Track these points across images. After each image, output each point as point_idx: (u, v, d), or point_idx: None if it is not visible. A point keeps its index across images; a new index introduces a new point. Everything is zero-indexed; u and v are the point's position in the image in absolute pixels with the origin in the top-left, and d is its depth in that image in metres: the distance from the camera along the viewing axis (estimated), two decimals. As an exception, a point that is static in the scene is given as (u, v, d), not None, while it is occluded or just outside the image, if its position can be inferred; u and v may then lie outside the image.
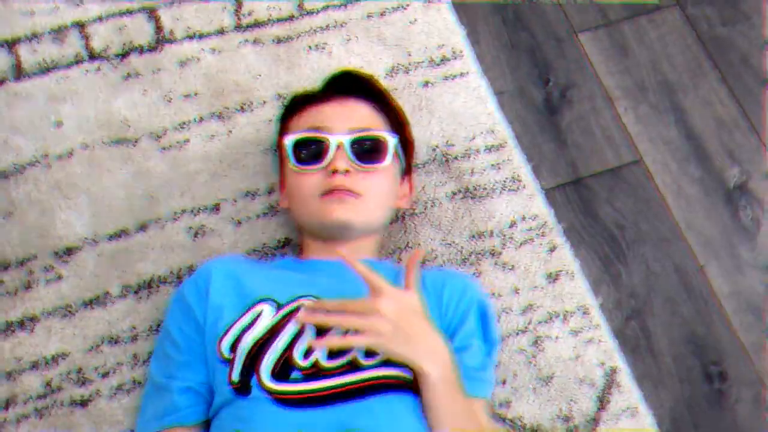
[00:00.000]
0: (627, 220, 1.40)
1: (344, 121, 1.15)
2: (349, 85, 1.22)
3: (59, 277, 1.27)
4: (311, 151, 1.14)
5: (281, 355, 1.02)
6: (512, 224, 1.36)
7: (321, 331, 1.04)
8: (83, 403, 1.21)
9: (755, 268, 1.38)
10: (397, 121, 1.23)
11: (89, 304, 1.26)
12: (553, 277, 1.33)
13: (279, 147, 1.24)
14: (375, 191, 1.14)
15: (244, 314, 1.06)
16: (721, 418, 1.27)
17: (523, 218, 1.36)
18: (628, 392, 1.26)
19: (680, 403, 1.28)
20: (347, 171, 1.12)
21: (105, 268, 1.28)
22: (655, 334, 1.32)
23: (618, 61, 1.53)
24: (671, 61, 1.54)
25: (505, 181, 1.39)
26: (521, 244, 1.34)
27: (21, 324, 1.24)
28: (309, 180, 1.13)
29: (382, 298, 0.98)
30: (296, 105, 1.23)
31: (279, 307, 1.07)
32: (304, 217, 1.16)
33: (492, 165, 1.40)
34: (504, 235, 1.35)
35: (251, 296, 1.08)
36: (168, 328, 1.12)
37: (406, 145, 1.25)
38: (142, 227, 1.31)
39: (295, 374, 1.01)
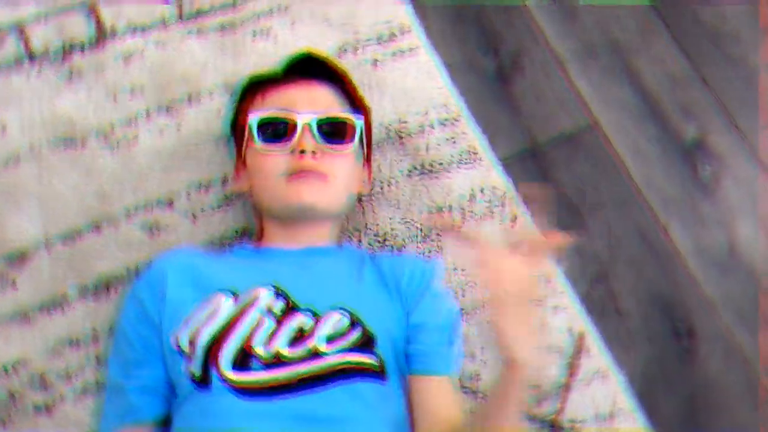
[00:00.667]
0: (586, 185, 1.39)
1: (310, 103, 1.13)
2: (311, 67, 1.20)
3: (14, 283, 1.25)
4: (277, 130, 1.12)
5: (241, 346, 1.01)
6: (471, 197, 1.35)
7: (280, 321, 1.02)
8: (48, 408, 1.19)
9: (717, 223, 1.38)
10: (360, 105, 1.21)
11: (47, 308, 1.24)
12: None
13: (234, 127, 1.22)
14: (341, 174, 1.12)
15: (202, 306, 1.05)
16: (693, 373, 1.28)
17: (482, 190, 1.35)
18: (598, 355, 1.26)
19: (651, 362, 1.28)
20: (314, 152, 1.10)
21: (61, 270, 1.26)
22: (622, 295, 1.32)
23: (567, 25, 1.52)
24: (621, 22, 1.53)
25: (461, 155, 1.37)
26: (482, 216, 1.33)
27: (-22, 334, 1.22)
28: (274, 160, 1.11)
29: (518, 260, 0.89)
30: (257, 86, 1.20)
31: (237, 297, 1.05)
32: (267, 199, 1.14)
33: (447, 139, 1.38)
34: (464, 209, 1.34)
35: (209, 288, 1.06)
36: (123, 327, 1.10)
37: (368, 131, 1.23)
38: (96, 227, 1.29)
39: (255, 364, 0.99)
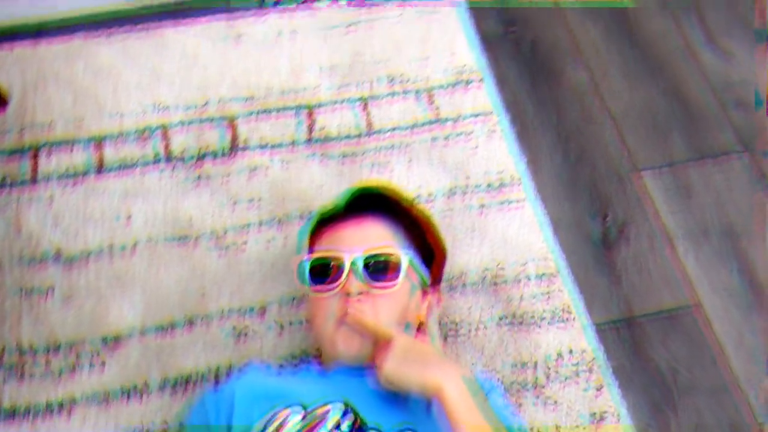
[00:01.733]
0: (681, 366, 1.33)
1: (359, 242, 1.16)
2: (366, 203, 1.24)
3: (103, 364, 1.30)
4: (326, 271, 1.15)
5: None
6: (558, 357, 1.32)
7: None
8: (107, 493, 1.21)
9: (821, 432, 1.28)
10: (418, 232, 1.23)
11: (126, 393, 1.28)
12: (597, 418, 1.27)
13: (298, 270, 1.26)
14: (387, 315, 1.13)
15: (272, 419, 1.06)
16: None
17: (571, 352, 1.32)
18: None
19: None
20: (360, 293, 1.12)
21: (148, 360, 1.31)
22: (705, 491, 1.23)
23: (680, 202, 1.51)
24: (737, 205, 1.51)
25: (554, 312, 1.36)
26: (566, 379, 1.30)
27: (60, 407, 1.27)
28: (324, 304, 1.14)
29: (394, 339, 1.05)
30: (321, 224, 1.24)
31: (305, 410, 1.06)
32: (321, 342, 1.17)
33: (542, 293, 1.38)
34: (549, 368, 1.31)
35: (277, 403, 1.08)
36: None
37: (430, 254, 1.24)
38: (190, 323, 1.34)
39: None
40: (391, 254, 1.16)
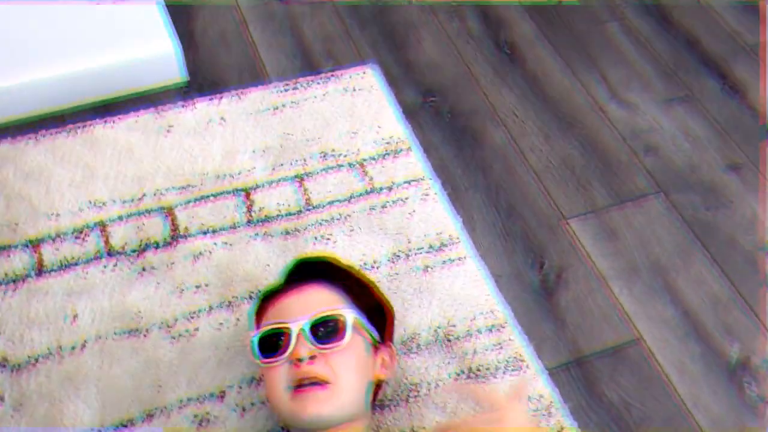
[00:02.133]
0: (633, 399, 1.39)
1: (303, 309, 1.18)
2: (306, 272, 1.27)
3: (63, 469, 1.26)
4: (276, 343, 1.16)
5: None
6: (517, 405, 1.36)
7: None
8: None
9: (768, 445, 1.36)
10: (357, 295, 1.26)
11: (91, 496, 1.24)
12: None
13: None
14: (343, 372, 1.14)
15: None
16: None
17: (529, 398, 1.37)
18: None
19: None
20: (312, 357, 1.14)
21: (109, 458, 1.28)
22: None
23: (608, 244, 1.60)
24: (660, 243, 1.61)
25: (507, 361, 1.41)
26: (527, 424, 1.34)
27: None
28: (276, 374, 1.15)
29: (509, 412, 1.04)
30: (264, 302, 1.27)
31: None
32: (280, 414, 1.17)
33: (494, 345, 1.42)
34: (509, 416, 1.34)
35: None
36: None
37: (377, 313, 1.27)
38: (149, 415, 1.32)
39: None
40: (337, 314, 1.18)
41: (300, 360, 1.13)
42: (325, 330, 1.17)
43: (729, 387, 1.42)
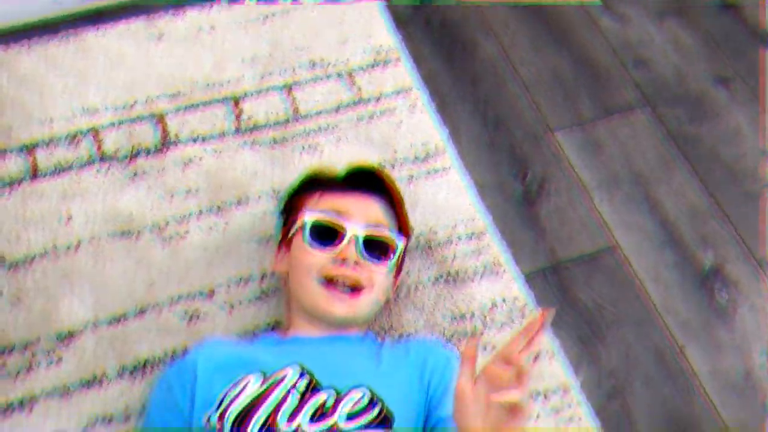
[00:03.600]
0: (606, 303, 1.45)
1: (361, 216, 1.23)
2: (369, 181, 1.31)
3: (59, 360, 1.34)
4: (327, 234, 1.22)
5: (265, 421, 1.06)
6: (493, 306, 1.41)
7: (303, 399, 1.08)
8: (75, 482, 1.24)
9: (733, 348, 1.41)
10: (405, 229, 1.31)
11: (86, 384, 1.32)
12: (533, 357, 1.36)
13: (287, 210, 1.32)
14: (374, 285, 1.21)
15: (231, 386, 1.12)
16: (706, 497, 1.27)
17: (504, 301, 1.42)
18: (611, 470, 1.27)
19: (664, 481, 1.28)
20: (355, 263, 1.19)
21: (104, 350, 1.35)
22: (636, 412, 1.34)
23: (593, 156, 1.63)
24: (644, 155, 1.63)
25: (485, 266, 1.45)
26: (501, 325, 1.39)
27: (20, 404, 1.29)
28: (316, 259, 1.20)
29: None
30: (316, 185, 1.31)
31: (265, 376, 1.12)
32: (300, 294, 1.22)
33: (473, 251, 1.47)
34: (485, 317, 1.40)
35: (238, 371, 1.13)
36: (149, 411, 1.18)
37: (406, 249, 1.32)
38: (141, 311, 1.39)
39: None
40: (391, 240, 1.24)
41: (345, 260, 1.19)
42: (376, 247, 1.22)
43: (700, 293, 1.47)
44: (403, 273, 1.41)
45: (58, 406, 1.30)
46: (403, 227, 1.31)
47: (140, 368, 1.33)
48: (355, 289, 1.19)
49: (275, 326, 1.38)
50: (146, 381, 1.32)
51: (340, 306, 1.18)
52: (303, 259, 1.22)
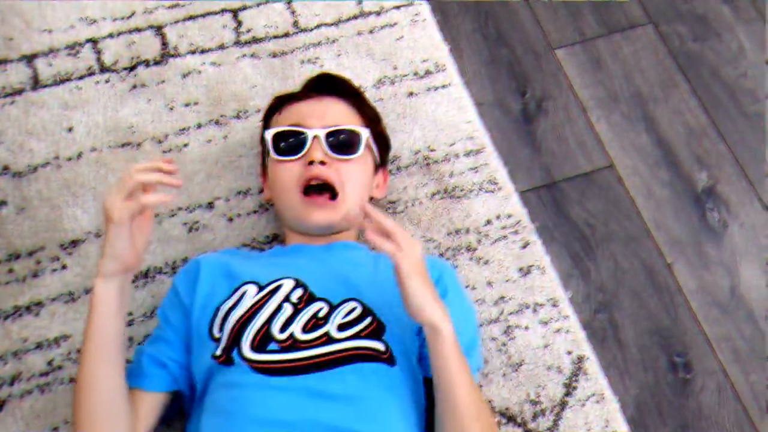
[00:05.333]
0: (597, 220, 1.47)
1: (320, 117, 1.25)
2: (326, 85, 1.33)
3: (64, 267, 1.38)
4: (290, 143, 1.24)
5: (260, 329, 1.11)
6: (488, 222, 1.44)
7: (297, 309, 1.12)
8: (82, 382, 1.30)
9: (721, 265, 1.44)
10: (370, 118, 1.32)
11: (90, 291, 1.36)
12: (525, 271, 1.40)
13: (262, 142, 1.35)
14: (349, 181, 1.23)
15: (231, 295, 1.16)
16: (685, 406, 1.33)
17: (498, 217, 1.45)
18: (595, 379, 1.32)
19: (645, 390, 1.34)
20: (323, 162, 1.21)
21: (107, 258, 1.38)
22: (623, 326, 1.39)
23: (592, 74, 1.62)
24: (644, 74, 1.63)
25: (482, 183, 1.48)
26: (496, 240, 1.43)
27: (28, 308, 1.34)
28: (288, 171, 1.23)
29: (416, 242, 1.07)
30: (278, 104, 1.33)
31: (261, 287, 1.16)
32: (286, 210, 1.26)
33: (470, 168, 1.49)
34: (480, 232, 1.43)
35: (237, 279, 1.18)
36: (162, 308, 1.22)
37: (381, 139, 1.34)
38: (142, 222, 1.42)
39: (272, 346, 1.09)
40: (352, 129, 1.26)
41: (312, 162, 1.21)
42: (340, 141, 1.24)
43: (692, 212, 1.49)
44: (400, 185, 1.44)
45: (64, 311, 1.35)
46: (369, 120, 1.32)
47: (142, 276, 1.37)
48: (331, 191, 1.22)
49: (274, 238, 1.41)
50: (148, 288, 1.36)
51: (319, 213, 1.21)
52: (278, 176, 1.26)
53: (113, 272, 1.04)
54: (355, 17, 1.64)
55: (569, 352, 1.34)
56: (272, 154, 1.26)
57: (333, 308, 1.13)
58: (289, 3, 1.64)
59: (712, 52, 1.66)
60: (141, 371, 1.14)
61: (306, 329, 1.11)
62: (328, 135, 1.24)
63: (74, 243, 1.40)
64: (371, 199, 1.35)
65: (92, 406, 1.05)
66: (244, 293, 1.16)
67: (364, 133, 1.27)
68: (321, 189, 1.22)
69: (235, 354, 1.09)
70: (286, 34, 1.61)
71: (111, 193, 1.02)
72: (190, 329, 1.17)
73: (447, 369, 1.05)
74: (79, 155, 1.47)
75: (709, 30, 1.68)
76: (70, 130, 1.50)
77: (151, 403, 1.14)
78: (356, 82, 1.56)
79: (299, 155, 1.23)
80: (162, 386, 1.15)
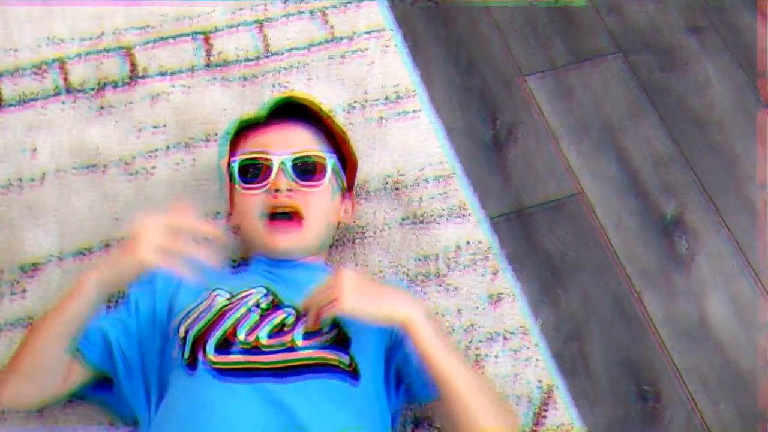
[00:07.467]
0: (568, 248, 1.47)
1: (285, 144, 1.24)
2: (290, 110, 1.30)
3: (24, 291, 1.34)
4: (255, 171, 1.23)
5: (225, 331, 1.10)
6: (457, 249, 1.43)
7: (264, 315, 1.11)
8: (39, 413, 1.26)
9: (689, 295, 1.45)
10: (336, 140, 1.31)
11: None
12: (494, 299, 1.39)
13: (228, 169, 1.32)
14: (315, 209, 1.22)
15: (199, 300, 1.16)
16: (654, 436, 1.32)
17: (468, 243, 1.44)
18: (564, 409, 1.31)
19: (614, 420, 1.33)
20: (289, 190, 1.20)
21: (69, 282, 1.35)
22: (592, 355, 1.38)
23: (563, 102, 1.63)
24: (613, 103, 1.64)
25: (451, 209, 1.47)
26: (465, 267, 1.42)
27: (-16, 334, 1.30)
28: (254, 200, 1.22)
29: (339, 274, 1.06)
30: (241, 130, 1.31)
31: (232, 294, 1.15)
32: (252, 237, 1.25)
33: (440, 194, 1.48)
34: (449, 259, 1.42)
35: (210, 285, 1.17)
36: (132, 295, 1.22)
37: (346, 163, 1.33)
38: (106, 245, 1.39)
39: (235, 348, 1.09)
40: (318, 156, 1.24)
41: (278, 190, 1.20)
42: (306, 168, 1.23)
43: (661, 241, 1.50)
44: (369, 211, 1.43)
45: (21, 336, 1.30)
46: (334, 144, 1.30)
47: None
48: (296, 218, 1.21)
49: (242, 263, 1.39)
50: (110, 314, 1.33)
51: (283, 238, 1.20)
52: (243, 204, 1.25)
53: (108, 284, 1.05)
54: (327, 41, 1.64)
55: (539, 381, 1.33)
56: (238, 183, 1.24)
57: (300, 316, 1.12)
58: (261, 27, 1.63)
59: (679, 82, 1.68)
60: (89, 343, 1.13)
61: (271, 335, 1.10)
62: (294, 163, 1.22)
63: (35, 266, 1.36)
64: (339, 224, 1.33)
65: (30, 369, 1.09)
66: (213, 300, 1.15)
67: (330, 160, 1.26)
68: (287, 215, 1.21)
69: (199, 357, 1.08)
70: (258, 58, 1.60)
71: (151, 226, 1.04)
72: (154, 321, 1.18)
73: (434, 361, 1.04)
74: (42, 177, 1.44)
75: (675, 60, 1.70)
76: (33, 151, 1.47)
77: (83, 374, 1.15)
78: (327, 107, 1.55)
79: (264, 183, 1.22)
80: (94, 358, 1.14)
